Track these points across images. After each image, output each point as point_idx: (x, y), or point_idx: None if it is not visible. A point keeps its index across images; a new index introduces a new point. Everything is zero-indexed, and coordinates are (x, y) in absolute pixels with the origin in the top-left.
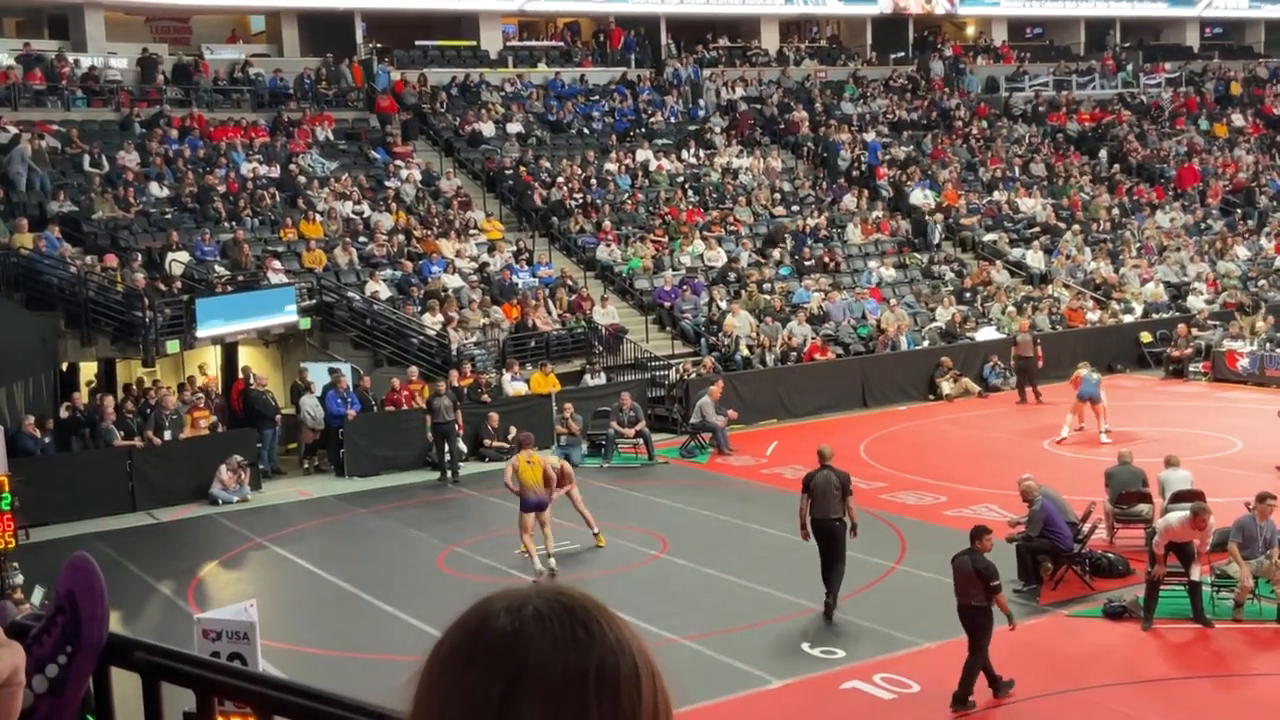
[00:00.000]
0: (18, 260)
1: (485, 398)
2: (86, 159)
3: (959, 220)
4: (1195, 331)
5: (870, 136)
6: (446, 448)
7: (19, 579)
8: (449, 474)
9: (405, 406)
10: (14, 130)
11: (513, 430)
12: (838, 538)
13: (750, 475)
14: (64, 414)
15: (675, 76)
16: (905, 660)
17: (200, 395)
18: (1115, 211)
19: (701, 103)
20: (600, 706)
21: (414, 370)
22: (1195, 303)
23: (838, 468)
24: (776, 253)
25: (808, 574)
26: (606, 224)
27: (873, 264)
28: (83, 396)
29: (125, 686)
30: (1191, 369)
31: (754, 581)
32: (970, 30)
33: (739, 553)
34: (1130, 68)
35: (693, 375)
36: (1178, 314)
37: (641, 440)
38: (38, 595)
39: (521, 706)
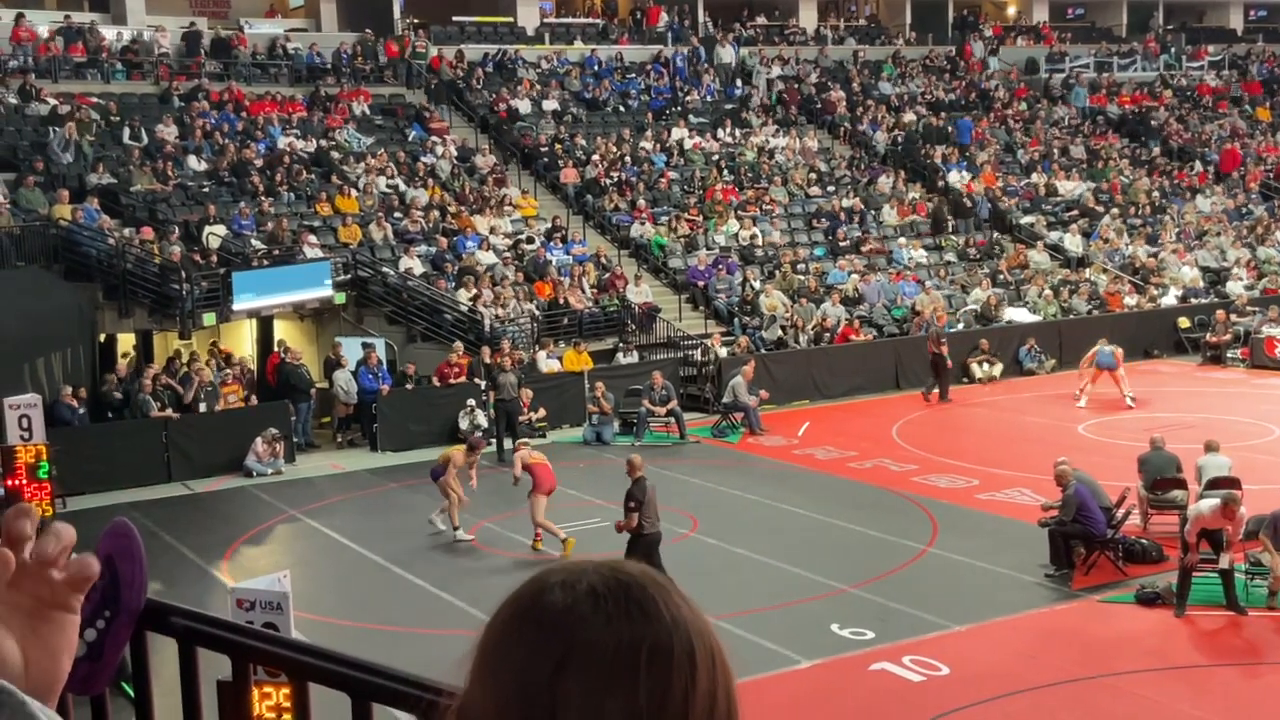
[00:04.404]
0: (57, 232)
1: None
2: (126, 131)
3: (996, 202)
4: (1234, 317)
5: (909, 116)
6: (506, 425)
7: None
8: (504, 451)
9: (454, 381)
10: (53, 102)
11: (541, 409)
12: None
13: (782, 456)
14: (104, 388)
15: (696, 54)
16: (935, 643)
17: (227, 373)
18: (1155, 195)
19: (739, 82)
20: (651, 686)
21: (506, 344)
22: (1234, 288)
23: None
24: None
25: (838, 555)
26: (641, 202)
27: (903, 241)
28: (121, 368)
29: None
30: (1230, 355)
31: (784, 561)
32: (1011, 10)
33: (769, 533)
34: (1173, 50)
35: (718, 349)
36: (1216, 300)
37: (673, 419)
38: None
39: (571, 683)
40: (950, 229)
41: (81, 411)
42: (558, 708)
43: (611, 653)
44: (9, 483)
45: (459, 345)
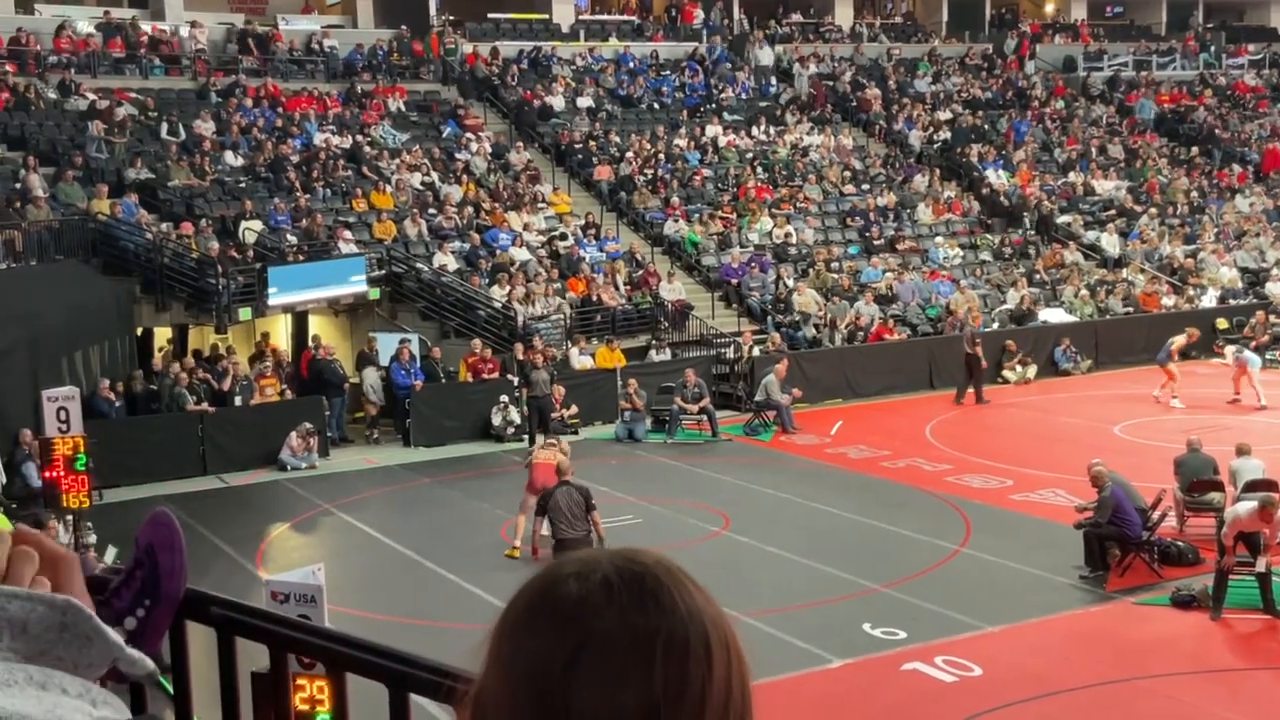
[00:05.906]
0: (95, 226)
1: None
2: (164, 127)
3: (1041, 205)
4: (1273, 318)
5: (944, 114)
6: (539, 421)
7: (93, 539)
8: None
9: (486, 377)
10: (92, 97)
11: (574, 406)
12: None
13: (814, 454)
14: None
15: (713, 51)
16: (967, 643)
17: (268, 365)
18: (1194, 195)
19: (774, 79)
20: (666, 678)
21: (539, 341)
22: (1274, 289)
23: (576, 482)
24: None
25: (870, 554)
26: (675, 199)
27: (939, 240)
28: (157, 361)
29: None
30: (1268, 356)
31: (815, 560)
32: (1049, 8)
33: (801, 531)
34: (1212, 49)
35: (750, 345)
36: (1255, 300)
37: (705, 417)
38: (110, 555)
39: (584, 675)
40: (1011, 224)
41: (119, 404)
42: (571, 699)
43: (626, 644)
44: (47, 474)
45: (477, 342)
